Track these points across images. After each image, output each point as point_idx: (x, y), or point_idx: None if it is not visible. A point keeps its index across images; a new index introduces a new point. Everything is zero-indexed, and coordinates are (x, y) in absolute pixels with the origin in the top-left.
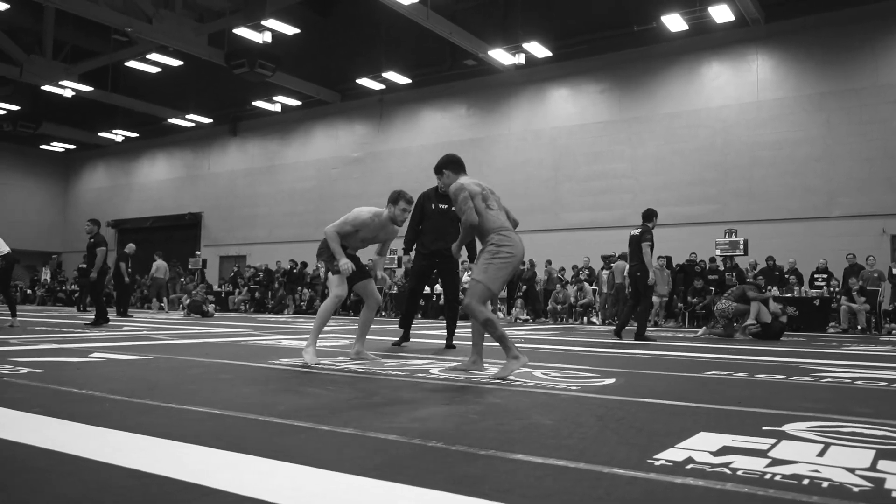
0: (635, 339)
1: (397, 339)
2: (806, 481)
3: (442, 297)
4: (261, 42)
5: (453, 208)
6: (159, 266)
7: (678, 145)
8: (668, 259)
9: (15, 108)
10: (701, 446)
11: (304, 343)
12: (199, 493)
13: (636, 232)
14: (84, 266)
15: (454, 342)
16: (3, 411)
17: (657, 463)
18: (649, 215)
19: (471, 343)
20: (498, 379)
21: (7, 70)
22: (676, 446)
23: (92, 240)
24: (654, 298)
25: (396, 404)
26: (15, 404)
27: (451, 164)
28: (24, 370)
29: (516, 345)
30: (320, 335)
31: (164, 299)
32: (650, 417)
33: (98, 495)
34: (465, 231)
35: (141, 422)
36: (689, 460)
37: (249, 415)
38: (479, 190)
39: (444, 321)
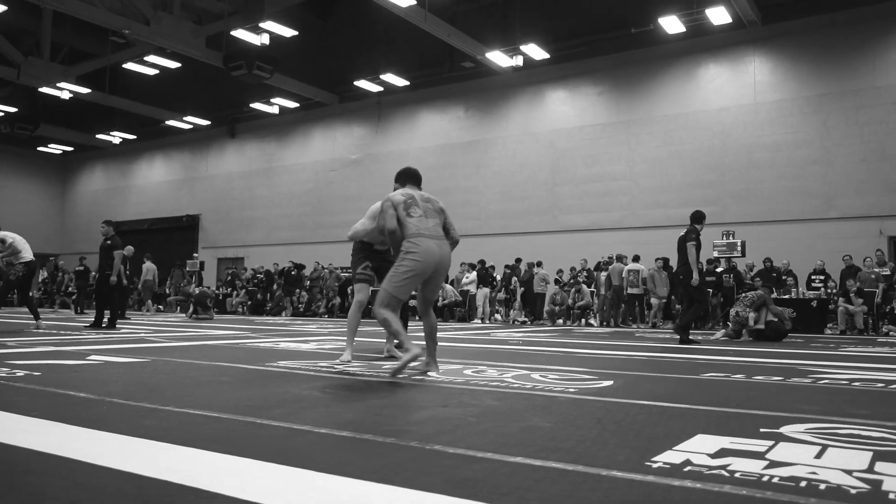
0: (679, 343)
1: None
2: (803, 483)
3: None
4: (259, 44)
5: None
6: (149, 268)
7: (676, 147)
8: (666, 261)
9: (12, 109)
10: (699, 448)
11: (305, 346)
12: (197, 497)
13: (682, 233)
14: (80, 269)
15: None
16: (0, 414)
17: (655, 465)
18: (698, 217)
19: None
20: (393, 371)
21: (5, 72)
22: (674, 448)
23: (108, 241)
24: (653, 300)
25: (394, 407)
26: (12, 407)
27: (399, 177)
28: (21, 373)
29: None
30: (355, 338)
31: (150, 301)
32: (648, 420)
33: (96, 499)
34: (388, 237)
35: (139, 425)
36: (687, 462)
37: (248, 418)
38: (403, 199)
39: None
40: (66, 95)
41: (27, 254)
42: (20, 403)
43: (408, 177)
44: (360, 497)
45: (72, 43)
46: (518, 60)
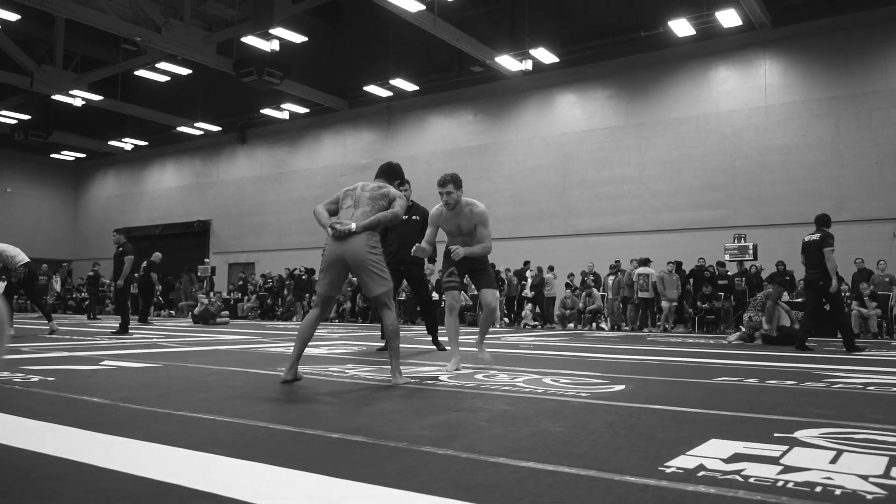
0: (846, 352)
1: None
2: (819, 489)
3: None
4: (269, 50)
5: (414, 218)
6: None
7: (687, 150)
8: (678, 264)
9: (26, 117)
10: (712, 453)
11: (316, 351)
12: (212, 501)
13: (814, 237)
14: (92, 274)
15: (439, 339)
16: (15, 420)
17: (668, 470)
18: (827, 220)
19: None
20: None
21: (18, 80)
22: (688, 453)
23: (120, 248)
24: (664, 303)
25: (406, 412)
26: (27, 412)
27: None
28: (35, 378)
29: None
30: (458, 346)
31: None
32: (661, 424)
33: None
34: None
35: (153, 430)
36: (701, 467)
37: (260, 422)
38: (343, 191)
39: (424, 325)
40: (78, 103)
41: (22, 256)
42: (35, 409)
43: (383, 172)
44: (373, 501)
45: (84, 51)
46: (527, 64)
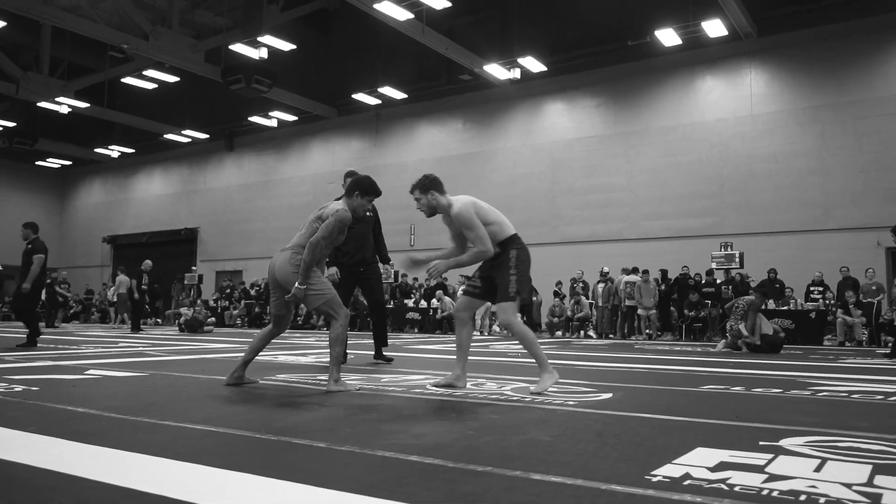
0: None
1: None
2: (803, 497)
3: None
4: (257, 58)
5: (368, 214)
6: (121, 281)
7: (674, 158)
8: (664, 272)
9: (11, 124)
10: (698, 462)
11: (304, 359)
12: None
13: None
14: (49, 281)
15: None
16: (2, 431)
17: (655, 479)
18: None
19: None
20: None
21: (4, 87)
22: (674, 462)
23: (29, 246)
24: (640, 311)
25: (394, 421)
26: (11, 423)
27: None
28: (19, 388)
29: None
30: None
31: (125, 315)
32: (648, 432)
33: None
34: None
35: (139, 440)
36: (687, 476)
37: (247, 432)
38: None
39: (373, 332)
40: (64, 110)
41: None
42: (19, 419)
43: (353, 185)
44: None
45: (70, 58)
46: (516, 73)
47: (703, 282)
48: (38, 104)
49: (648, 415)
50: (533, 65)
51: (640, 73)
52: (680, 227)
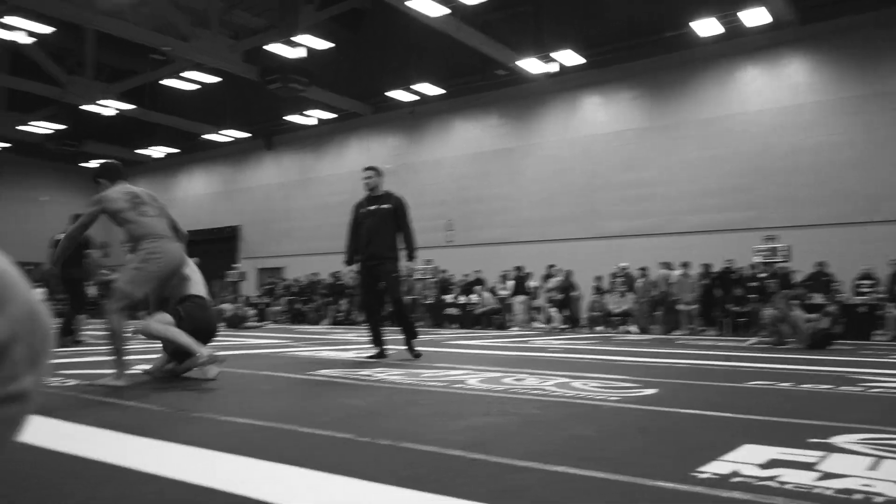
0: None
1: (372, 354)
2: (859, 496)
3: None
4: (294, 58)
5: (385, 206)
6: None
7: (714, 151)
8: (707, 267)
9: (57, 127)
10: (746, 459)
11: (345, 355)
12: None
13: None
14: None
15: (418, 348)
16: (54, 423)
17: (702, 476)
18: None
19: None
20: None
21: (50, 91)
22: (721, 459)
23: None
24: (681, 306)
25: (436, 415)
26: (66, 416)
27: (105, 173)
28: (72, 382)
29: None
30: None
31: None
32: (693, 429)
33: None
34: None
35: (186, 432)
36: (735, 474)
37: (291, 426)
38: (128, 199)
39: (400, 329)
40: (108, 112)
41: None
42: (74, 412)
43: (118, 171)
44: None
45: (114, 61)
46: (552, 67)
47: (748, 276)
48: (83, 107)
49: (693, 411)
50: (569, 58)
51: (679, 64)
52: (720, 221)
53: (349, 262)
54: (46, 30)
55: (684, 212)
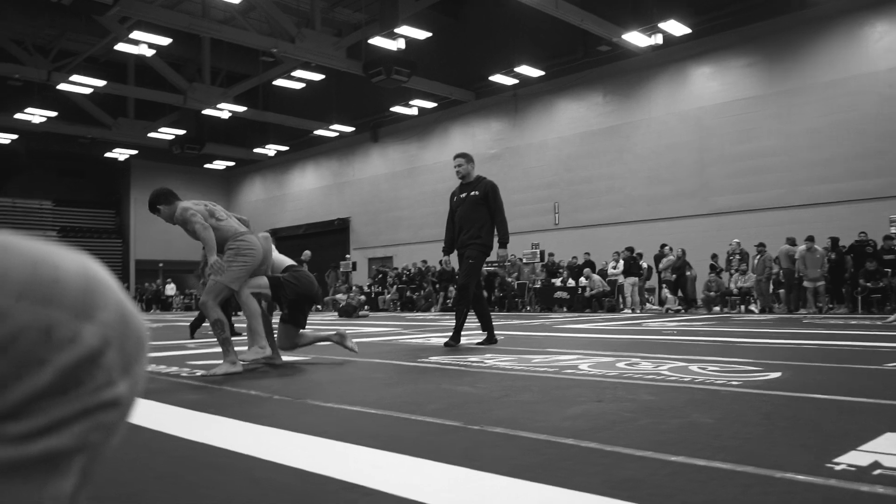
0: None
1: (484, 339)
2: None
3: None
4: (395, 49)
5: (473, 193)
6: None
7: (839, 116)
8: (834, 241)
9: (181, 132)
10: (889, 449)
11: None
12: (359, 493)
13: None
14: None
15: (496, 335)
16: (180, 411)
17: (837, 468)
18: None
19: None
20: (209, 374)
21: (174, 98)
22: (859, 449)
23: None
24: (806, 283)
25: (546, 402)
26: (191, 405)
27: (161, 198)
28: (199, 372)
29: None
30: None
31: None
32: (824, 416)
33: (267, 494)
34: (206, 244)
35: (303, 421)
36: (876, 465)
37: (402, 413)
38: (203, 207)
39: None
40: (225, 115)
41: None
42: (197, 400)
43: (173, 194)
44: (515, 497)
45: (228, 66)
46: (657, 38)
47: (883, 248)
48: (203, 111)
49: (823, 395)
50: (675, 28)
51: (796, 25)
52: (848, 191)
53: (446, 252)
54: (165, 41)
55: (806, 182)
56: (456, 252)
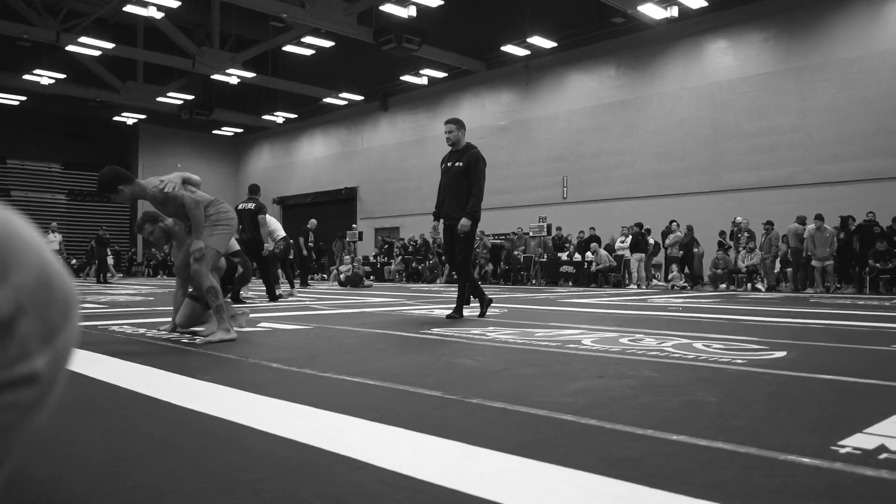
0: None
1: (482, 310)
2: None
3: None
4: (406, 17)
5: (458, 164)
6: (52, 241)
7: (857, 92)
8: (846, 219)
9: (190, 97)
10: None
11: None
12: (351, 466)
13: None
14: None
15: (466, 313)
16: (179, 378)
17: (843, 451)
18: None
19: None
20: (205, 341)
21: (182, 63)
22: (865, 431)
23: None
24: (815, 262)
25: (547, 377)
26: (190, 372)
27: (121, 178)
28: (199, 339)
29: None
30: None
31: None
32: (831, 396)
33: (260, 464)
34: (196, 224)
35: (301, 391)
36: (883, 448)
37: (401, 386)
38: (177, 177)
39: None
40: (234, 81)
41: (281, 231)
42: (196, 368)
43: (129, 174)
44: (511, 472)
45: (237, 31)
46: (672, 11)
47: (892, 229)
48: (212, 77)
49: (829, 376)
50: (692, 0)
51: (815, 0)
52: (864, 170)
53: (435, 217)
54: (174, 3)
55: (821, 161)
56: (442, 221)
